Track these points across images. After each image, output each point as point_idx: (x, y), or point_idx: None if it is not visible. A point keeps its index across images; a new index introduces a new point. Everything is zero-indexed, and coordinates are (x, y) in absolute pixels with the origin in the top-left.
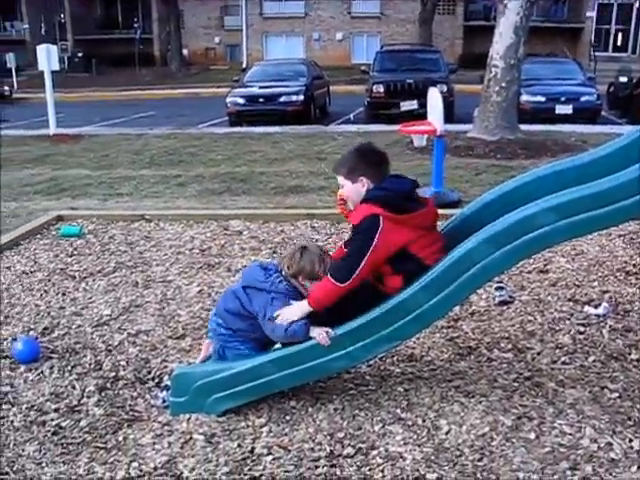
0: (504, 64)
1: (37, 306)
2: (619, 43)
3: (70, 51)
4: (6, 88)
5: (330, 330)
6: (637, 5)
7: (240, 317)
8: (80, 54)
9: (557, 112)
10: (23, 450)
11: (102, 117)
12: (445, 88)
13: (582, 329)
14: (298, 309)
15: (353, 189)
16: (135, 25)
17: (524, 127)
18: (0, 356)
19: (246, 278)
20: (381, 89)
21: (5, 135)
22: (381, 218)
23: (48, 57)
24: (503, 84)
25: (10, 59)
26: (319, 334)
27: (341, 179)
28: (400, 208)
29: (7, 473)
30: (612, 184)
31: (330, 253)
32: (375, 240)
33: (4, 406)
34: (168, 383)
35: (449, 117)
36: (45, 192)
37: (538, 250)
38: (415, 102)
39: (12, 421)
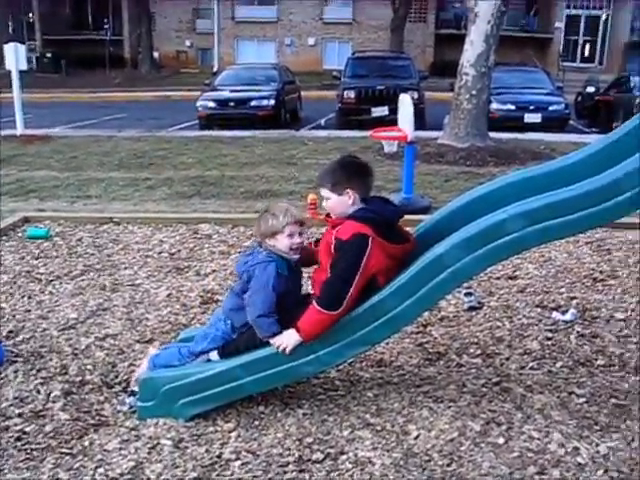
0: (475, 72)
1: (2, 309)
2: (587, 54)
3: (39, 51)
4: None
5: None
6: (604, 17)
7: (243, 311)
8: (49, 54)
9: (526, 120)
10: None
11: (71, 118)
12: (416, 95)
13: (550, 335)
14: (292, 339)
15: (339, 202)
16: (105, 26)
17: (493, 135)
18: None
19: (237, 271)
20: (352, 95)
21: None
22: (370, 239)
23: (16, 56)
24: (474, 92)
25: None
26: (278, 342)
27: (326, 192)
28: (386, 234)
29: None
30: (580, 191)
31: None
32: (364, 261)
33: None
34: (135, 389)
35: (420, 124)
36: (12, 193)
37: (508, 255)
38: (386, 108)
39: None
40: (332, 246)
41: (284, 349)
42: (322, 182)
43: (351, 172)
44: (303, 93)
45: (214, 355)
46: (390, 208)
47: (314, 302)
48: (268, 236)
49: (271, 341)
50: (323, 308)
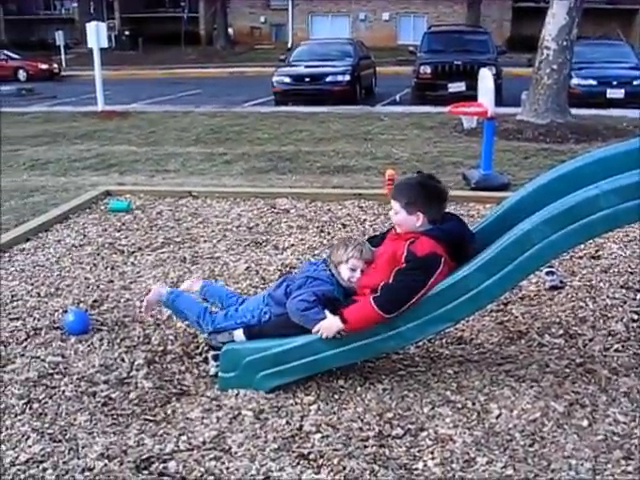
0: (556, 46)
1: (87, 279)
2: None
3: (117, 29)
4: (55, 66)
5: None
6: None
7: (282, 304)
8: (127, 32)
9: (608, 96)
10: (75, 419)
11: (148, 95)
12: (494, 70)
13: (635, 317)
14: (334, 327)
15: (407, 220)
16: (182, 4)
17: (574, 111)
18: (52, 327)
19: (299, 275)
20: (428, 70)
21: (54, 111)
22: (442, 260)
23: (97, 34)
24: (554, 66)
25: (59, 37)
26: (320, 329)
27: (397, 206)
28: (456, 256)
29: (60, 441)
30: None
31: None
32: (432, 280)
33: (56, 376)
34: (217, 353)
35: (497, 100)
36: (93, 167)
37: (599, 233)
38: (463, 84)
39: (63, 391)
40: (403, 256)
41: (324, 335)
42: (396, 196)
43: (428, 196)
44: (377, 69)
45: (239, 335)
46: (466, 230)
47: (371, 299)
48: (334, 263)
49: (314, 329)
50: (379, 308)
